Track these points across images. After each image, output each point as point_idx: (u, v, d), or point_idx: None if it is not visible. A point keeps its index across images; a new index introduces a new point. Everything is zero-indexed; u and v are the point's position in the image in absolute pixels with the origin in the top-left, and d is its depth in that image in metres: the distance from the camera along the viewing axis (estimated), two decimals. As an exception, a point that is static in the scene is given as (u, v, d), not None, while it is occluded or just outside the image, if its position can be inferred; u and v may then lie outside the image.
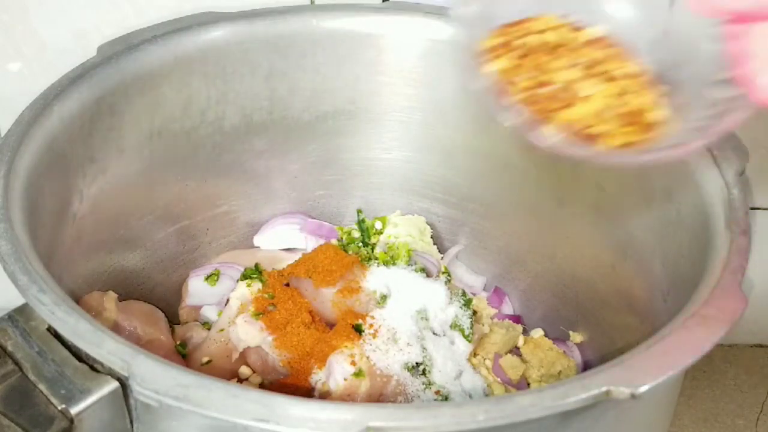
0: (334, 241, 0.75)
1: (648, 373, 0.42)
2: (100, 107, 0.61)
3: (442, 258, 0.76)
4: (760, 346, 0.95)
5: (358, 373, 0.61)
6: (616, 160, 0.48)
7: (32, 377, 0.45)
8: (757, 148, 0.80)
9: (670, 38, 0.51)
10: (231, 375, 0.66)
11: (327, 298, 0.67)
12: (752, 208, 0.53)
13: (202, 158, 0.71)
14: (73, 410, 0.44)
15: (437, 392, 0.62)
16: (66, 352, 0.46)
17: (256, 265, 0.73)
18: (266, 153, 0.73)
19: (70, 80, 0.60)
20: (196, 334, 0.68)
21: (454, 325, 0.67)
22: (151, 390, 0.40)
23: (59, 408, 0.44)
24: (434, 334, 0.66)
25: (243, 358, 0.66)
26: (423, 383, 0.62)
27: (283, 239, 0.77)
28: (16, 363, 0.46)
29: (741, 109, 0.46)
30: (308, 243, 0.76)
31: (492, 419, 0.39)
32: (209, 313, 0.71)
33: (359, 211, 0.78)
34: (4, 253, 0.47)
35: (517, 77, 0.50)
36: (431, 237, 0.76)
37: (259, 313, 0.66)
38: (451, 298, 0.68)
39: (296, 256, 0.73)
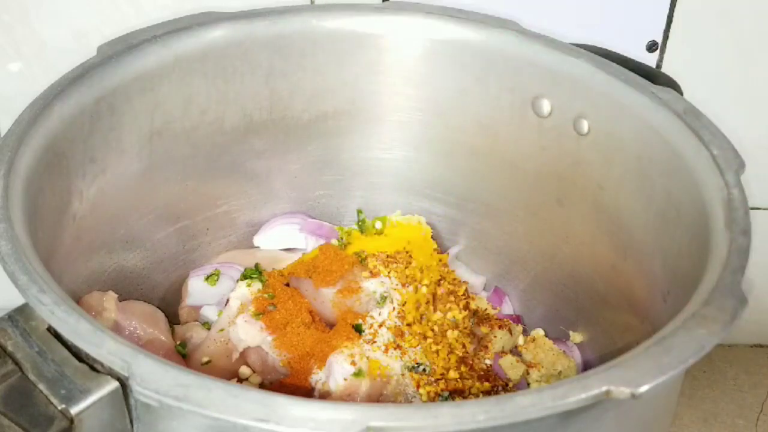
0: (334, 241, 0.75)
1: (648, 373, 0.42)
2: (100, 107, 0.61)
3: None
4: (760, 346, 0.95)
5: (358, 373, 0.61)
6: None
7: (32, 377, 0.45)
8: (757, 148, 0.81)
9: None
10: (231, 375, 0.66)
11: (327, 298, 0.67)
12: (752, 208, 0.53)
13: (202, 158, 0.71)
14: (73, 410, 0.44)
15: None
16: (66, 352, 0.46)
17: (256, 265, 0.73)
18: (266, 153, 0.73)
19: (70, 80, 0.60)
20: (196, 334, 0.68)
21: None
22: (151, 390, 0.40)
23: (59, 408, 0.44)
24: None
25: (243, 358, 0.66)
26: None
27: (283, 239, 0.76)
28: (16, 363, 0.46)
29: None
30: (308, 243, 0.76)
31: (492, 419, 0.39)
32: (209, 313, 0.71)
33: (359, 211, 0.78)
34: (4, 253, 0.47)
35: None
36: (431, 237, 0.76)
37: (259, 313, 0.66)
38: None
39: (296, 256, 0.73)
